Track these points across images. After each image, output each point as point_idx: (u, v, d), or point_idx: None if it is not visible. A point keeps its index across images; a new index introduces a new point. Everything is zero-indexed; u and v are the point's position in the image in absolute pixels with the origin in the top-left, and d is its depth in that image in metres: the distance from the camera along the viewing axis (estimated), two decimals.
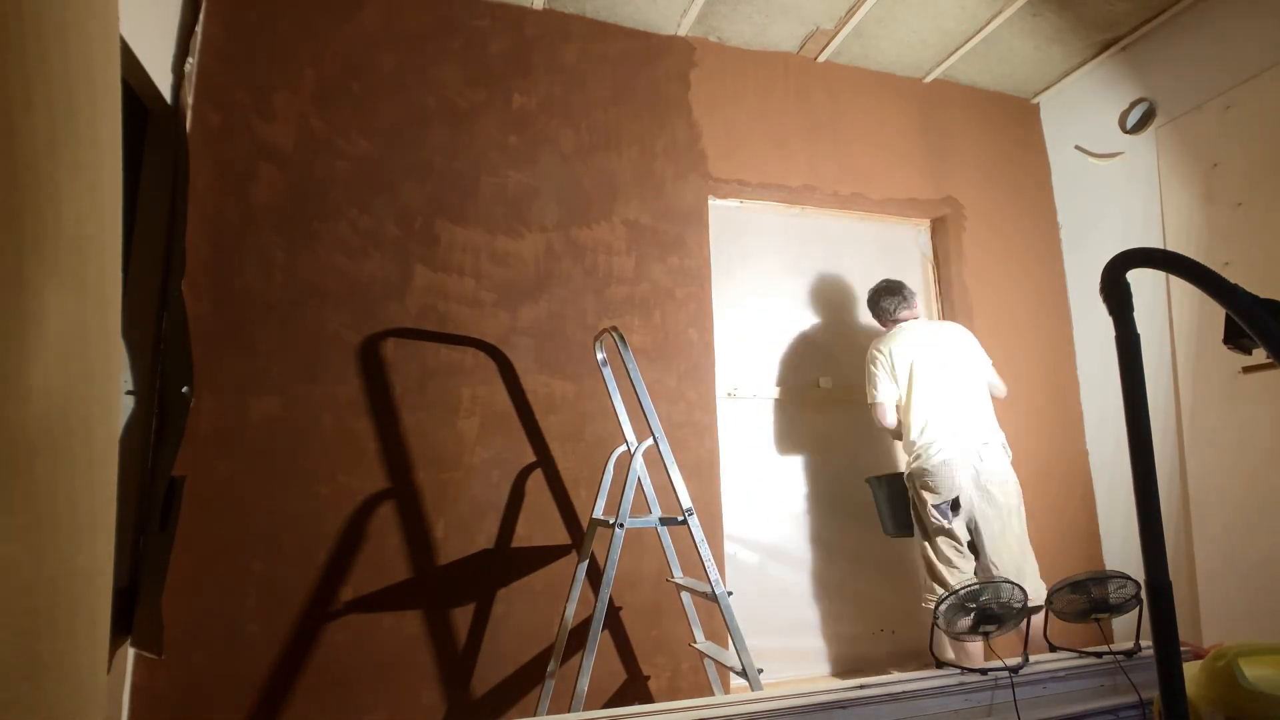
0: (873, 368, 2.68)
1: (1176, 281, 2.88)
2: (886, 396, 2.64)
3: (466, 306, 2.55)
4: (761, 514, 2.91)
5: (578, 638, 2.25)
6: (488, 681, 2.33)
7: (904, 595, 3.00)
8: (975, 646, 2.34)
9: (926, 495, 2.52)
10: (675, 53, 3.06)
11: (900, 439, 2.69)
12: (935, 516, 2.50)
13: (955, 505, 2.48)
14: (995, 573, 2.43)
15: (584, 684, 1.81)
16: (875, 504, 2.82)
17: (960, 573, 2.47)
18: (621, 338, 2.03)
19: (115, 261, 0.87)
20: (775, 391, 3.04)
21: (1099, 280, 1.01)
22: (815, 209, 3.21)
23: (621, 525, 1.90)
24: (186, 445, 2.06)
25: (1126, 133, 3.17)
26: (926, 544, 2.55)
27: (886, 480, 2.77)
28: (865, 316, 3.24)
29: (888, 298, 2.80)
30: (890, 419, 2.65)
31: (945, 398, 2.56)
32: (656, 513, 2.24)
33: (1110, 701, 1.79)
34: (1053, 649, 2.01)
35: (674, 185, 2.93)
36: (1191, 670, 1.36)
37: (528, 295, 2.63)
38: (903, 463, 2.72)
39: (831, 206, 3.21)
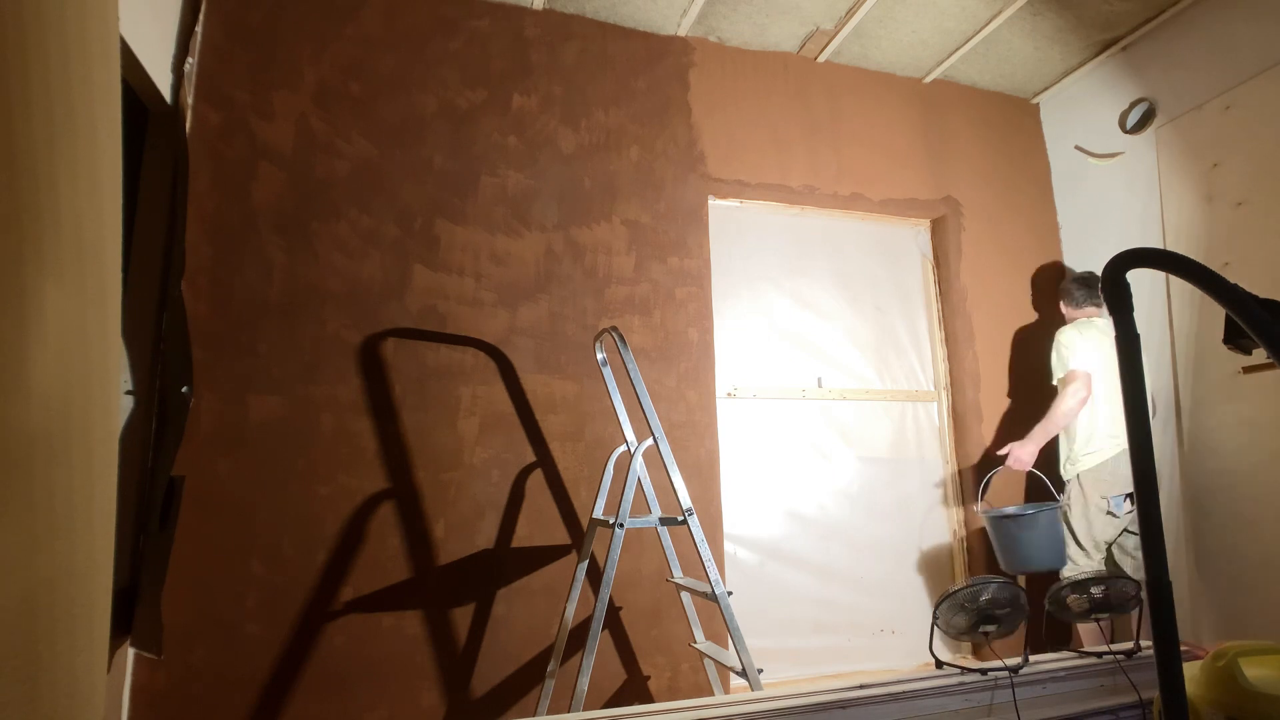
0: (1071, 341, 2.75)
1: (1176, 281, 2.88)
2: (1086, 364, 2.69)
3: (466, 306, 2.55)
4: (761, 514, 2.91)
5: (578, 638, 2.25)
6: (488, 681, 2.33)
7: (905, 595, 3.00)
8: (1090, 628, 2.40)
9: (1102, 490, 2.60)
10: (675, 53, 3.05)
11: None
12: (1111, 509, 2.58)
13: (1131, 498, 2.55)
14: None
15: (584, 684, 1.81)
16: (1001, 543, 2.63)
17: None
18: (621, 338, 2.03)
19: (115, 261, 0.87)
20: (775, 391, 3.04)
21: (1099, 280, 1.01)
22: (815, 209, 3.21)
23: (621, 525, 1.90)
24: (186, 445, 2.06)
25: (1126, 133, 3.16)
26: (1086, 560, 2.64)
27: (1022, 519, 2.60)
28: (865, 317, 3.24)
29: (1081, 288, 2.93)
30: (1087, 390, 2.67)
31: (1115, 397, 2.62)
32: (656, 513, 2.24)
33: (1110, 701, 1.79)
34: (1052, 649, 2.01)
35: (674, 185, 2.93)
36: (1191, 670, 1.36)
37: (528, 295, 2.63)
38: (1065, 466, 2.79)
39: (831, 207, 3.21)
